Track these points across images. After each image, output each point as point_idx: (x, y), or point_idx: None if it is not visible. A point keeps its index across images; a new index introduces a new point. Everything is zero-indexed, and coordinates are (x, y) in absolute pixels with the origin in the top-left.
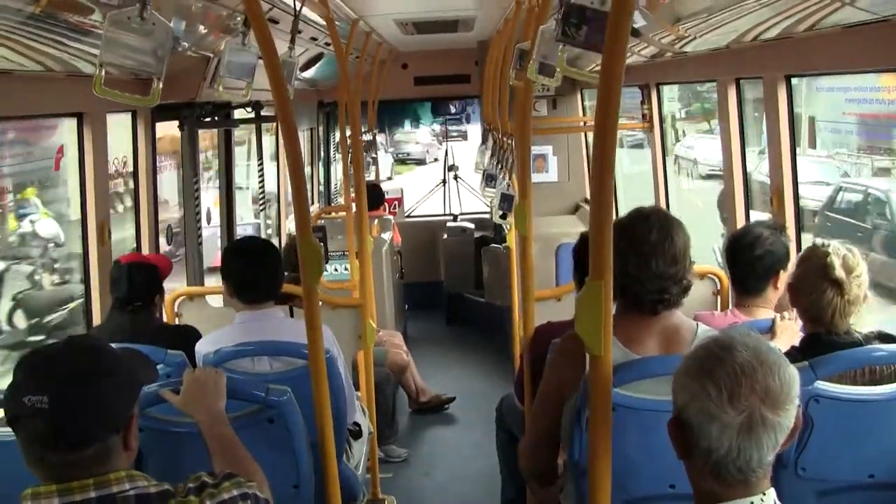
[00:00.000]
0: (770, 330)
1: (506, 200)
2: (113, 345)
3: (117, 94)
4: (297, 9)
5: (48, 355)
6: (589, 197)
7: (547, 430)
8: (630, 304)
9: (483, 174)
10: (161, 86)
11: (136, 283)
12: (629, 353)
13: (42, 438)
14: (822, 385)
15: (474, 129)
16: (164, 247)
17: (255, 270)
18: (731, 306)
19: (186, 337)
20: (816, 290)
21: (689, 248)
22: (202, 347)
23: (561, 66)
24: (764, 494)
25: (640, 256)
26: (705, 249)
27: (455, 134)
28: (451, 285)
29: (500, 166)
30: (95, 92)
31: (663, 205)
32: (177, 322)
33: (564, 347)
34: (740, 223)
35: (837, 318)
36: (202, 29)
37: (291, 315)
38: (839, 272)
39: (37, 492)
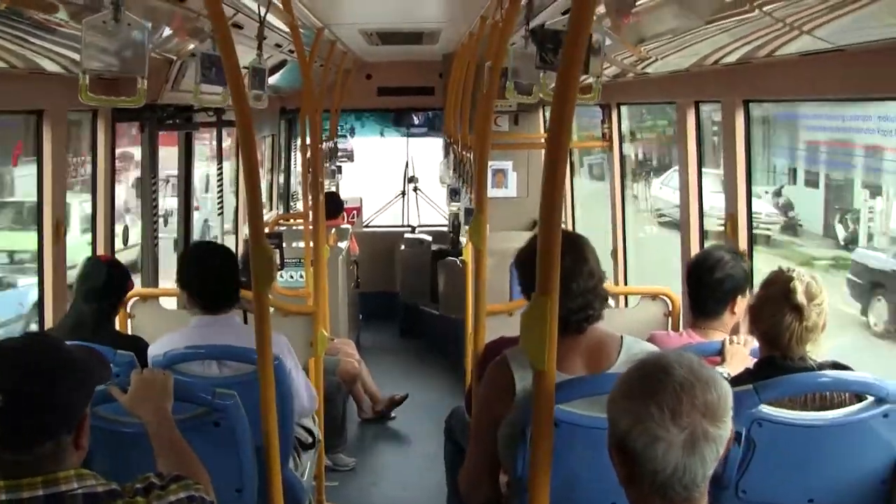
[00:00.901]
0: (720, 353)
1: (470, 215)
2: (69, 342)
3: (103, 98)
4: (262, 15)
5: (4, 353)
6: None
7: (486, 455)
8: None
9: (448, 189)
10: (146, 85)
11: (114, 278)
12: (558, 375)
13: None
14: (766, 409)
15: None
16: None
17: (213, 278)
18: (681, 327)
19: (136, 346)
20: (777, 313)
21: (598, 259)
22: (156, 349)
23: (544, 93)
24: None
25: (559, 282)
26: None
27: (340, 154)
28: (406, 296)
29: (461, 180)
30: (81, 99)
31: (620, 222)
32: (129, 323)
33: (490, 377)
34: (695, 247)
35: (794, 343)
36: (166, 31)
37: (245, 321)
38: (801, 298)
39: None
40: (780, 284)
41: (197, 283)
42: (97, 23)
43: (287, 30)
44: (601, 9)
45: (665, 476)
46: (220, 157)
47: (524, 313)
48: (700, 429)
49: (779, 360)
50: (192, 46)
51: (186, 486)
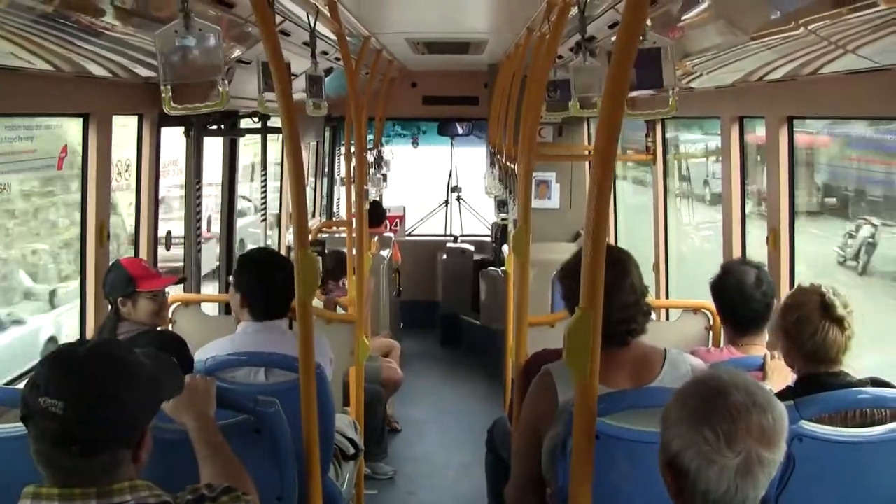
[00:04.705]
0: (761, 369)
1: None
2: (141, 350)
3: (188, 107)
4: (312, 24)
5: (72, 359)
6: None
7: (531, 469)
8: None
9: (495, 200)
10: (228, 88)
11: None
12: (602, 388)
13: (51, 442)
14: (807, 425)
15: None
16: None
17: (274, 290)
18: (722, 342)
19: (170, 344)
20: (820, 330)
21: (641, 274)
22: (203, 354)
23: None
24: None
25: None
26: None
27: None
28: (447, 306)
29: (508, 191)
30: (166, 110)
31: (662, 238)
32: (170, 328)
33: (534, 390)
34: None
35: (839, 355)
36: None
37: (290, 327)
38: (840, 310)
39: (38, 492)
40: (813, 301)
41: (257, 291)
42: (169, 33)
43: (334, 37)
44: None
45: (717, 496)
46: (264, 164)
47: (569, 325)
48: (754, 454)
49: (822, 377)
50: (236, 53)
51: (237, 498)
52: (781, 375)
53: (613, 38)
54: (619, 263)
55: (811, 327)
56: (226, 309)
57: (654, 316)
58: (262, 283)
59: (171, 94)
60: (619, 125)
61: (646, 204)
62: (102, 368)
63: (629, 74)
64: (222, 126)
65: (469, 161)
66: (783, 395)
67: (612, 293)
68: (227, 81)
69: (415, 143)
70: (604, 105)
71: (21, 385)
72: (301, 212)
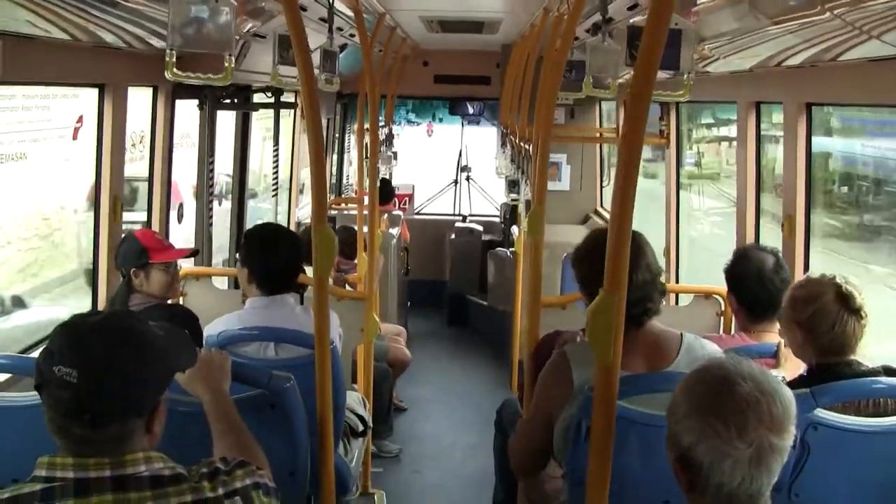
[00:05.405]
0: (774, 356)
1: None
2: (155, 323)
3: (190, 76)
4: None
5: (86, 328)
6: (599, 208)
7: (538, 444)
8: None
9: (506, 180)
10: (234, 63)
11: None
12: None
13: (65, 410)
14: (822, 413)
15: None
16: (173, 223)
17: (280, 264)
18: (733, 329)
19: (182, 318)
20: (838, 322)
21: (655, 253)
22: (211, 330)
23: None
24: None
25: None
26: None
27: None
28: (454, 286)
29: (520, 171)
30: (168, 76)
31: (674, 220)
32: (181, 301)
33: (548, 371)
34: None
35: (857, 345)
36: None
37: (301, 302)
38: (859, 301)
39: (52, 461)
40: (830, 293)
41: (262, 266)
42: (183, 1)
43: (348, 13)
44: None
45: (731, 488)
46: (276, 139)
47: (591, 308)
48: (766, 442)
49: (839, 367)
50: (249, 25)
51: (251, 472)
52: (795, 362)
53: (632, 20)
54: (634, 242)
55: (829, 320)
56: (236, 283)
57: (664, 301)
58: (267, 258)
59: (175, 59)
60: (647, 108)
61: (647, 190)
62: (115, 336)
63: (659, 57)
64: (236, 100)
65: (479, 141)
66: (797, 383)
67: (629, 272)
68: (233, 57)
69: (429, 131)
70: (632, 87)
71: (36, 354)
72: (320, 188)
